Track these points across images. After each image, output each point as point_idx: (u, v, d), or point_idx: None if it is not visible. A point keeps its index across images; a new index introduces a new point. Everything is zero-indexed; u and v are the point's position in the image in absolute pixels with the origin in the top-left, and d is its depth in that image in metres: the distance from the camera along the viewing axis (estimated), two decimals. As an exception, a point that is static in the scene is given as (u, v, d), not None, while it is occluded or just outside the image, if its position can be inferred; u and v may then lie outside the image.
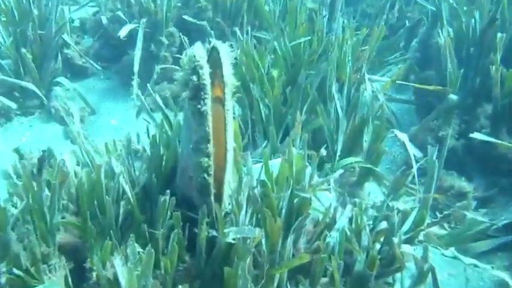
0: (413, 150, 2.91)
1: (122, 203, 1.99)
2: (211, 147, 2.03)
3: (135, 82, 3.57)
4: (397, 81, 3.75)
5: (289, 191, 2.24)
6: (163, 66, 3.83)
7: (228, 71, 2.05)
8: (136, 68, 3.75)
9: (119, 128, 3.92)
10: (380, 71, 4.18)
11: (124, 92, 4.22)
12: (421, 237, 2.82)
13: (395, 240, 2.19)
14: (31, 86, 3.83)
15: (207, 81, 2.00)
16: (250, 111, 3.20)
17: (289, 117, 3.10)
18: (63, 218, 2.13)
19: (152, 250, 1.76)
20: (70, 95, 3.99)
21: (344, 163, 3.05)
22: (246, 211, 2.09)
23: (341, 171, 2.67)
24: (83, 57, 4.20)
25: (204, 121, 2.01)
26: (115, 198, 2.03)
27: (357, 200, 3.11)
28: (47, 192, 2.00)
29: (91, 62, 4.22)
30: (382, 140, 3.01)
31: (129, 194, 2.02)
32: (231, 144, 2.09)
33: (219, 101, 2.09)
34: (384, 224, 2.40)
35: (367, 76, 3.25)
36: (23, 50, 3.72)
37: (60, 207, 2.04)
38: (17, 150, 3.31)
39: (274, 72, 3.39)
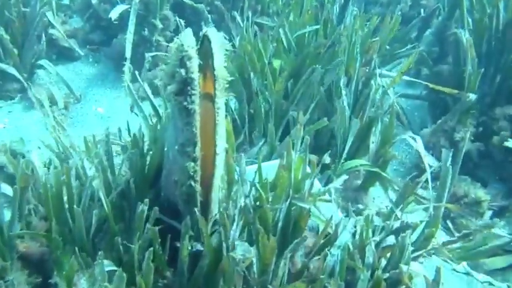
0: (428, 159, 2.66)
1: (95, 211, 1.75)
2: (198, 151, 1.79)
3: (126, 69, 3.31)
4: (408, 77, 3.50)
5: (287, 202, 2.01)
6: (154, 54, 3.56)
7: (220, 63, 1.81)
8: (128, 54, 3.49)
9: (105, 117, 3.68)
10: (389, 64, 3.92)
11: (114, 78, 3.98)
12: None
13: (404, 267, 1.96)
14: (10, 68, 3.57)
15: (195, 74, 1.76)
16: (248, 105, 2.96)
17: (291, 113, 2.85)
18: (29, 223, 1.91)
19: (123, 275, 1.54)
20: (54, 79, 3.73)
21: (349, 166, 2.81)
22: (237, 223, 1.86)
23: (345, 177, 2.44)
24: (66, 39, 3.93)
25: (191, 121, 1.78)
26: (86, 205, 1.80)
27: (360, 206, 2.92)
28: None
29: (72, 45, 3.95)
30: (391, 145, 2.77)
31: (104, 201, 1.79)
32: (221, 147, 1.85)
33: (209, 97, 1.85)
34: (391, 239, 2.17)
35: (378, 71, 2.99)
36: (1, 31, 3.46)
37: (24, 213, 1.81)
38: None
39: (276, 63, 3.14)
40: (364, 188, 2.91)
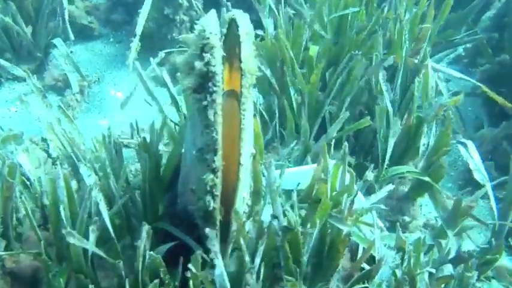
0: (479, 175, 2.30)
1: (92, 227, 1.49)
2: (219, 160, 1.50)
3: (132, 50, 3.02)
4: (459, 74, 3.10)
5: (323, 221, 1.71)
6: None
7: (248, 54, 1.50)
8: (139, 30, 3.18)
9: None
10: (441, 53, 3.52)
11: (137, 60, 3.70)
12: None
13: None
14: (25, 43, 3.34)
15: (219, 68, 1.46)
16: (278, 98, 2.64)
17: (328, 108, 2.53)
18: (19, 234, 1.66)
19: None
20: (69, 60, 3.48)
21: (393, 172, 2.48)
22: (257, 249, 1.56)
23: (390, 187, 2.11)
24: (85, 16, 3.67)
25: (211, 123, 1.48)
26: (85, 219, 1.54)
27: (406, 218, 2.59)
28: None
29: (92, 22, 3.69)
30: (446, 153, 2.41)
31: (104, 216, 1.52)
32: (246, 156, 1.56)
33: (234, 96, 1.55)
34: (448, 269, 1.85)
35: (430, 63, 2.62)
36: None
37: (10, 225, 1.57)
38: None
39: (313, 50, 2.80)
40: (411, 198, 2.57)
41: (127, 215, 1.72)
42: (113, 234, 1.55)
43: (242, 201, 1.67)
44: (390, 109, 2.45)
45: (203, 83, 1.48)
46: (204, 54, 1.48)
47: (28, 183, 1.78)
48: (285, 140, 2.52)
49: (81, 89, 3.41)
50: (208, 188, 1.51)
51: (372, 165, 2.02)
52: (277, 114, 2.61)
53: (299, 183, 2.14)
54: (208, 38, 1.48)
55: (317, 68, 2.46)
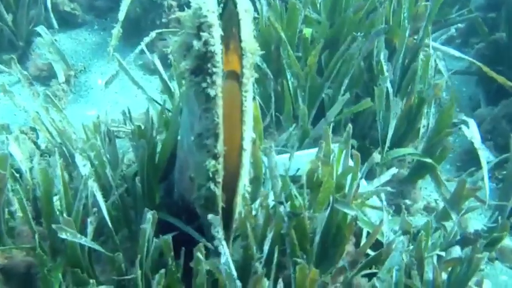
0: (483, 153, 2.26)
1: (90, 219, 1.42)
2: (221, 145, 1.44)
3: (114, 36, 2.92)
4: (458, 53, 3.07)
5: (326, 203, 1.65)
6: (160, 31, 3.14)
7: (248, 33, 1.43)
8: (121, 15, 3.07)
9: (112, 92, 3.33)
10: (437, 32, 3.46)
11: (122, 47, 3.59)
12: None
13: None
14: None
15: (218, 47, 1.39)
16: (275, 82, 2.58)
17: (326, 92, 2.47)
18: (11, 228, 1.59)
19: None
20: (53, 49, 3.36)
21: (394, 155, 2.44)
22: (265, 236, 1.51)
23: (394, 170, 2.07)
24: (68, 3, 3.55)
25: (211, 107, 1.42)
26: (80, 211, 1.46)
27: (407, 201, 2.55)
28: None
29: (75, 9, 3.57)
30: (449, 134, 2.37)
31: (101, 206, 1.45)
32: (248, 140, 1.49)
33: (235, 77, 1.48)
34: (456, 251, 1.81)
35: (431, 43, 2.57)
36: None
37: (2, 219, 1.49)
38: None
39: (307, 32, 2.74)
40: (412, 181, 2.53)
41: (124, 205, 1.65)
42: (111, 226, 1.47)
43: (244, 190, 1.61)
44: (391, 90, 2.40)
45: (201, 64, 1.41)
46: (201, 34, 1.41)
47: (18, 175, 1.69)
48: (282, 125, 2.46)
49: (67, 78, 3.31)
50: (210, 175, 1.45)
51: (377, 149, 1.95)
52: (273, 99, 2.55)
53: (299, 169, 2.10)
54: (205, 16, 1.40)
55: (315, 49, 2.39)
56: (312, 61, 2.39)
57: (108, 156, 1.69)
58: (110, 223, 1.47)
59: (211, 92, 1.39)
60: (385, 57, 2.51)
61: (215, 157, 1.44)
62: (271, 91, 2.55)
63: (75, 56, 3.50)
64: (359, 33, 2.39)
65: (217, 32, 1.39)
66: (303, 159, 2.06)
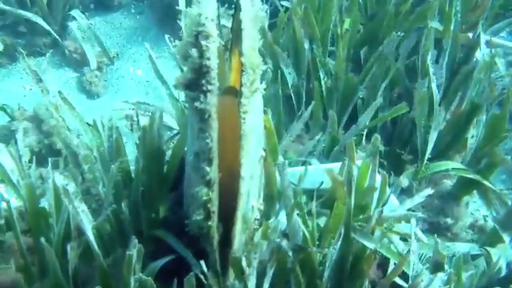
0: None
1: (71, 244, 1.33)
2: (214, 172, 1.29)
3: None
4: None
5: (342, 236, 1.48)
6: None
7: (250, 45, 1.26)
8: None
9: (143, 82, 3.25)
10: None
11: (156, 34, 3.51)
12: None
13: None
14: (38, 19, 3.19)
15: (213, 62, 1.23)
16: (307, 80, 2.38)
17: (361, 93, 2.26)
18: (1, 242, 1.53)
19: None
20: (87, 34, 3.31)
21: (435, 169, 2.20)
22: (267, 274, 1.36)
23: (429, 191, 1.84)
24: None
25: (205, 128, 1.27)
26: (61, 233, 1.37)
27: (448, 220, 2.31)
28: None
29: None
30: (502, 139, 2.10)
31: (87, 231, 1.35)
32: (249, 166, 1.33)
33: (235, 93, 1.32)
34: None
35: (483, 37, 2.28)
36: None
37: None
38: (4, 108, 2.73)
39: (348, 23, 2.51)
40: (456, 197, 2.29)
41: (118, 222, 1.54)
42: (97, 250, 1.37)
43: (249, 212, 1.46)
44: (436, 95, 2.14)
45: (196, 79, 1.26)
46: (198, 44, 1.25)
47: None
48: (310, 130, 2.27)
49: (100, 65, 3.25)
50: (203, 203, 1.31)
51: (409, 169, 1.74)
52: (303, 99, 2.36)
53: (322, 182, 1.93)
54: (203, 25, 1.24)
55: (344, 41, 2.17)
56: (343, 60, 2.18)
57: (105, 167, 1.58)
58: (96, 247, 1.37)
59: (205, 112, 1.24)
60: (433, 57, 2.24)
61: (208, 184, 1.29)
62: (302, 91, 2.36)
63: (109, 42, 3.42)
64: (399, 31, 2.12)
65: (214, 44, 1.23)
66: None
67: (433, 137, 2.03)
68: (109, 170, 1.61)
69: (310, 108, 2.06)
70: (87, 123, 2.10)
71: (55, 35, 3.29)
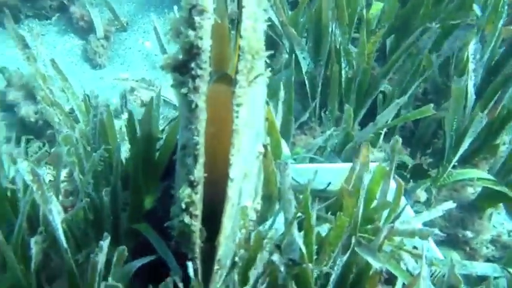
0: None
1: (34, 239, 1.18)
2: (199, 171, 1.12)
3: None
4: None
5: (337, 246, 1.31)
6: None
7: (250, 25, 1.07)
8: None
9: (151, 55, 3.08)
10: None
11: (171, 3, 3.31)
12: None
13: None
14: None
15: (206, 43, 1.05)
16: (325, 67, 2.19)
17: (382, 88, 2.06)
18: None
19: None
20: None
21: (459, 177, 2.00)
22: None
23: (451, 205, 1.65)
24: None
25: (192, 120, 1.10)
26: (23, 225, 1.23)
27: (469, 234, 2.13)
28: None
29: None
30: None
31: (56, 224, 1.21)
32: (238, 167, 1.16)
33: (228, 82, 1.15)
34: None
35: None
36: None
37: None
38: (2, 71, 2.59)
39: (376, 7, 2.30)
40: (479, 209, 2.09)
41: (95, 213, 1.40)
42: (65, 245, 1.23)
43: (231, 227, 1.29)
44: (472, 95, 1.94)
45: (187, 61, 1.09)
46: (190, 19, 1.08)
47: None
48: (323, 123, 2.09)
49: (107, 34, 3.09)
50: (184, 205, 1.15)
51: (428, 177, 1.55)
52: (319, 88, 2.18)
53: (329, 183, 1.76)
54: (199, -3, 1.07)
55: (376, 35, 1.97)
56: (370, 49, 1.98)
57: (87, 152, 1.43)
58: (64, 243, 1.22)
59: (193, 102, 1.07)
60: (476, 53, 2.02)
61: (192, 184, 1.13)
62: (319, 79, 2.17)
63: (119, 9, 3.25)
64: (434, 23, 1.90)
65: (208, 22, 1.05)
66: (336, 173, 1.72)
67: (466, 143, 1.84)
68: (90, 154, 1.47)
69: (316, 101, 1.88)
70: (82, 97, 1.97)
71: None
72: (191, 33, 1.07)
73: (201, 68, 1.06)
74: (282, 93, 1.85)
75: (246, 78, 1.07)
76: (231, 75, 1.17)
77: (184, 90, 1.07)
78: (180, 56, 1.11)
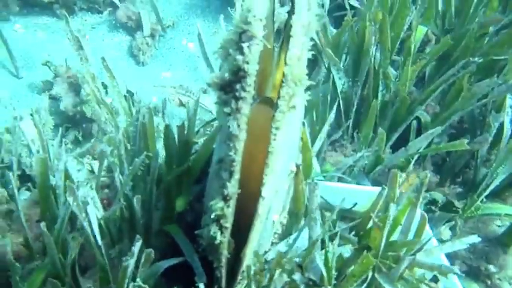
0: None
1: (72, 235, 1.27)
2: (234, 187, 1.19)
3: None
4: None
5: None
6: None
7: (296, 54, 1.13)
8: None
9: (193, 56, 3.17)
10: None
11: (217, 7, 3.40)
12: None
13: None
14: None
15: (252, 67, 1.11)
16: (362, 88, 2.23)
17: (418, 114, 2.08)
18: (10, 211, 1.50)
19: None
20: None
21: (487, 211, 2.01)
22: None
23: (476, 238, 1.67)
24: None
25: (232, 137, 1.16)
26: (65, 220, 1.31)
27: (491, 268, 2.13)
28: None
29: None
30: None
31: (93, 222, 1.29)
32: (271, 186, 1.22)
33: (270, 104, 1.20)
34: None
35: None
36: None
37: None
38: (47, 65, 2.71)
39: (420, 32, 2.32)
40: (505, 244, 2.09)
41: (130, 213, 1.47)
42: (99, 243, 1.31)
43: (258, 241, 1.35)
44: (508, 133, 1.95)
45: (231, 84, 1.15)
46: (240, 44, 1.14)
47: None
48: (355, 142, 2.13)
49: (153, 33, 3.19)
50: (216, 217, 1.21)
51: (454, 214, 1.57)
52: (354, 107, 2.21)
53: (356, 203, 1.80)
54: (250, 24, 1.13)
55: (416, 65, 1.99)
56: (410, 76, 2.00)
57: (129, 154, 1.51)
58: (99, 239, 1.30)
59: (234, 121, 1.14)
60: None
61: (225, 199, 1.19)
62: (355, 99, 2.21)
63: (167, 9, 3.36)
64: (476, 58, 1.92)
65: (257, 47, 1.11)
66: (364, 195, 1.76)
67: (499, 178, 1.85)
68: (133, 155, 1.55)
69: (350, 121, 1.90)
70: (125, 95, 2.06)
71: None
72: (239, 57, 1.13)
73: (245, 91, 1.12)
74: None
75: (287, 104, 1.13)
76: (273, 98, 1.22)
77: (227, 110, 1.14)
78: (227, 75, 1.17)
